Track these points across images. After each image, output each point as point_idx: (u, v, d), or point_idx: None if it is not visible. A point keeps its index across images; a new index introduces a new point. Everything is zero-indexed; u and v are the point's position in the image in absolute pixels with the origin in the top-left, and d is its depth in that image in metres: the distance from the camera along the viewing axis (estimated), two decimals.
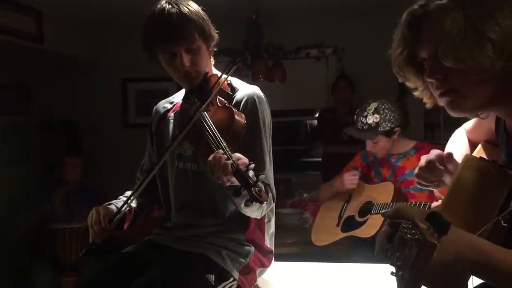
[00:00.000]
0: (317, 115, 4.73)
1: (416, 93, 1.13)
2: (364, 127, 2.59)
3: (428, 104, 1.12)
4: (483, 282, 0.96)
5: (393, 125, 2.55)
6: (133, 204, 1.67)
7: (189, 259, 1.51)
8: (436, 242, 0.79)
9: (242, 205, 1.39)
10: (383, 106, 2.57)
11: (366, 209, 2.68)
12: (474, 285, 0.98)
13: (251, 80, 3.62)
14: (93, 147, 4.85)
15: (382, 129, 2.55)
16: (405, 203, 2.49)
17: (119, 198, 1.69)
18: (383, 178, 2.69)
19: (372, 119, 2.56)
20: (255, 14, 3.95)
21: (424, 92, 1.10)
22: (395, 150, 2.67)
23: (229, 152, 1.29)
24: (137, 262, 1.56)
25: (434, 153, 1.23)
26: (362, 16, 4.37)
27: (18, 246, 3.52)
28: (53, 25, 4.16)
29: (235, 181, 1.26)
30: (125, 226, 1.63)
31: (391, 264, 0.84)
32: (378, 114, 2.56)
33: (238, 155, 1.29)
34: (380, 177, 2.72)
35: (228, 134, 1.40)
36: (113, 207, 1.59)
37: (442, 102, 1.02)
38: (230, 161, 1.25)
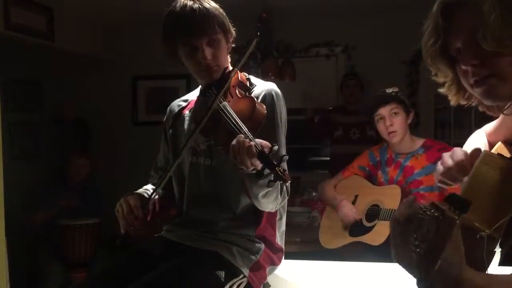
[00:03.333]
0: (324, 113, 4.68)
1: (442, 90, 1.11)
2: (385, 94, 2.62)
3: (453, 101, 1.11)
4: None
5: (408, 104, 2.64)
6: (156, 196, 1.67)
7: (199, 256, 1.52)
8: (456, 217, 0.79)
9: (260, 194, 1.40)
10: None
11: (373, 213, 2.65)
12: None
13: (261, 78, 3.61)
14: (103, 145, 4.89)
15: (402, 98, 2.61)
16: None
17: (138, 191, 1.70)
18: (390, 178, 2.65)
19: (391, 89, 2.63)
20: (266, 13, 3.95)
21: (451, 88, 1.09)
22: (403, 149, 2.63)
23: (252, 136, 1.31)
24: (147, 258, 1.57)
25: (460, 152, 1.20)
26: (372, 14, 4.36)
27: (28, 242, 3.56)
28: (64, 23, 4.19)
29: (258, 166, 1.28)
30: (148, 218, 1.63)
31: (409, 245, 0.84)
32: (395, 88, 2.65)
33: (260, 140, 1.31)
34: (387, 176, 2.67)
35: (250, 121, 1.42)
36: (138, 196, 1.61)
37: (477, 92, 1.00)
38: (253, 143, 1.27)
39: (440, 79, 1.10)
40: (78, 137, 4.85)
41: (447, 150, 2.59)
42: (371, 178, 2.78)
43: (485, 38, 0.91)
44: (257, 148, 1.26)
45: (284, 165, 1.30)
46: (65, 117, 4.81)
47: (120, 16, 4.48)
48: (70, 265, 3.44)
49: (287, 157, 1.29)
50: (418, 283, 0.80)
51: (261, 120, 1.46)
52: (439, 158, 1.26)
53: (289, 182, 1.27)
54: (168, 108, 1.83)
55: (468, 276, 0.82)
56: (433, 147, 2.58)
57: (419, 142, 2.64)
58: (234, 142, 1.31)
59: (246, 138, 1.31)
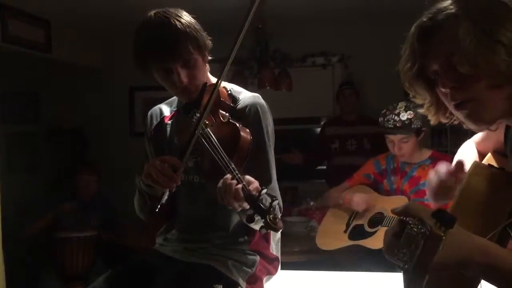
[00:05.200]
0: (321, 126, 4.65)
1: (421, 110, 1.13)
2: (397, 124, 2.53)
3: (433, 121, 1.13)
4: None
5: (422, 124, 2.55)
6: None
7: (195, 270, 1.50)
8: (442, 234, 0.80)
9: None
10: (412, 105, 2.54)
11: (377, 220, 2.65)
12: None
13: (257, 88, 3.62)
14: (100, 156, 4.87)
15: (414, 126, 2.52)
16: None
17: None
18: (397, 187, 2.66)
19: (406, 115, 2.53)
20: (262, 22, 3.96)
21: (430, 109, 1.10)
22: (411, 159, 2.63)
23: (239, 176, 1.24)
24: (144, 272, 1.56)
25: (442, 170, 1.21)
26: (368, 24, 4.38)
27: (25, 255, 3.54)
28: (61, 35, 4.21)
29: (246, 206, 1.23)
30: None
31: (398, 260, 0.85)
32: (411, 111, 2.53)
33: (248, 178, 1.25)
34: (393, 186, 2.68)
35: (236, 154, 1.34)
36: None
37: (459, 115, 1.01)
38: (241, 186, 1.21)
39: (419, 101, 1.11)
40: (75, 148, 4.84)
41: None
42: (377, 185, 2.78)
43: (461, 62, 0.92)
44: (245, 191, 1.20)
45: (276, 211, 1.21)
46: (63, 128, 4.81)
47: (116, 27, 4.49)
48: (67, 278, 3.42)
49: (277, 201, 1.23)
50: None
51: (248, 148, 1.38)
52: None
53: (281, 230, 1.20)
54: (149, 114, 1.74)
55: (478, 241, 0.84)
56: (442, 159, 2.57)
57: (427, 153, 2.64)
58: (220, 184, 1.25)
59: (233, 179, 1.23)
